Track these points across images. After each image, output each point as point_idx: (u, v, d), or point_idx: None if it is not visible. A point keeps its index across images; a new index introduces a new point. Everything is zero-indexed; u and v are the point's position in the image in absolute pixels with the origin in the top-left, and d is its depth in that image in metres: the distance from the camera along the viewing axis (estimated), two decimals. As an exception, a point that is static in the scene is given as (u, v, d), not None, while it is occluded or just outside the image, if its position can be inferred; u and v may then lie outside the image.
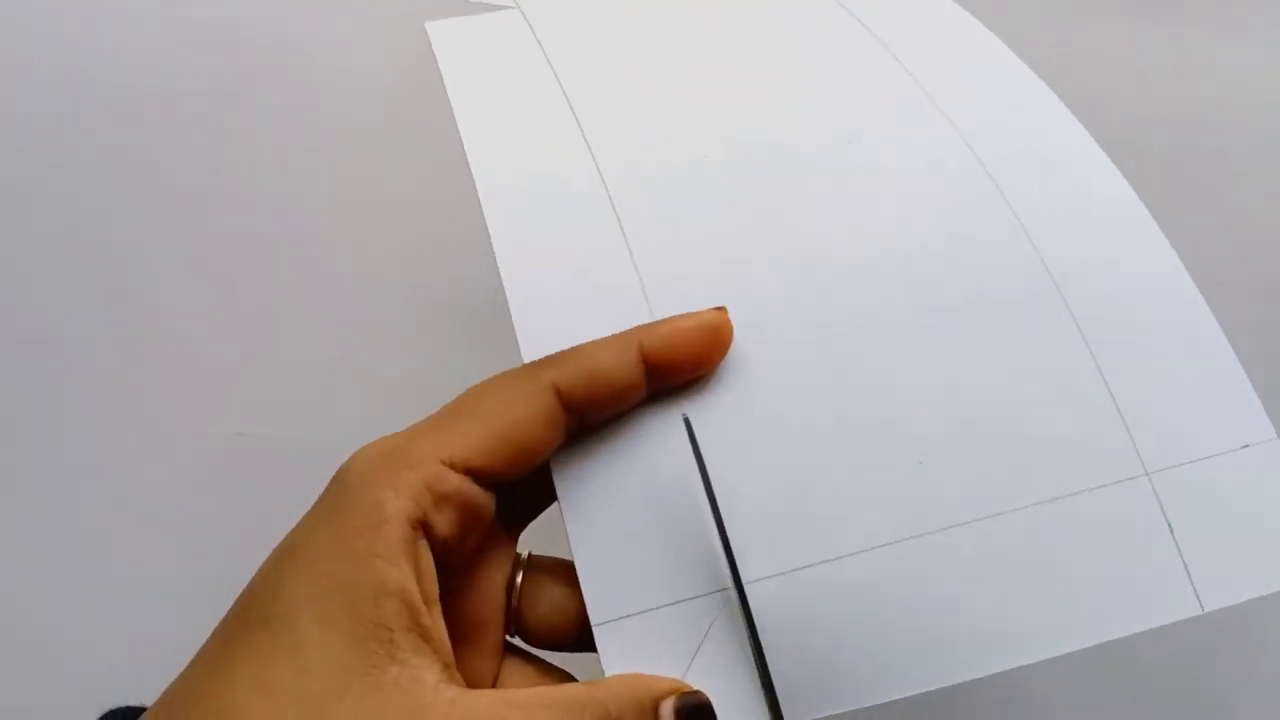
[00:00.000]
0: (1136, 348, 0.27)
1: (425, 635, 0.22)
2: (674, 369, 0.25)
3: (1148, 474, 0.26)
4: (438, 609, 0.23)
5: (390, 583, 0.22)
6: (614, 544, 0.25)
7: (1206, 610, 0.25)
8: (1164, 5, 0.49)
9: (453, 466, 0.23)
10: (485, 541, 0.26)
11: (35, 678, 0.41)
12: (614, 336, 0.25)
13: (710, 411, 0.26)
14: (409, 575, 0.22)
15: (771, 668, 0.24)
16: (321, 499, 0.23)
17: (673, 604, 0.25)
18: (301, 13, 0.52)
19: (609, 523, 0.25)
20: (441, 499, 0.23)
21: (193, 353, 0.46)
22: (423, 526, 0.23)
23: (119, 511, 0.44)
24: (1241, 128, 0.47)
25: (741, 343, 0.26)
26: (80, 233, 0.48)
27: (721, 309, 0.26)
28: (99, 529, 0.43)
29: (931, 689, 0.24)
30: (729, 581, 0.24)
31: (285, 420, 0.44)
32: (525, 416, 0.24)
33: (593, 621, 0.24)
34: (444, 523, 0.23)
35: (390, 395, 0.46)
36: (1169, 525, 0.25)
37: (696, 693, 0.23)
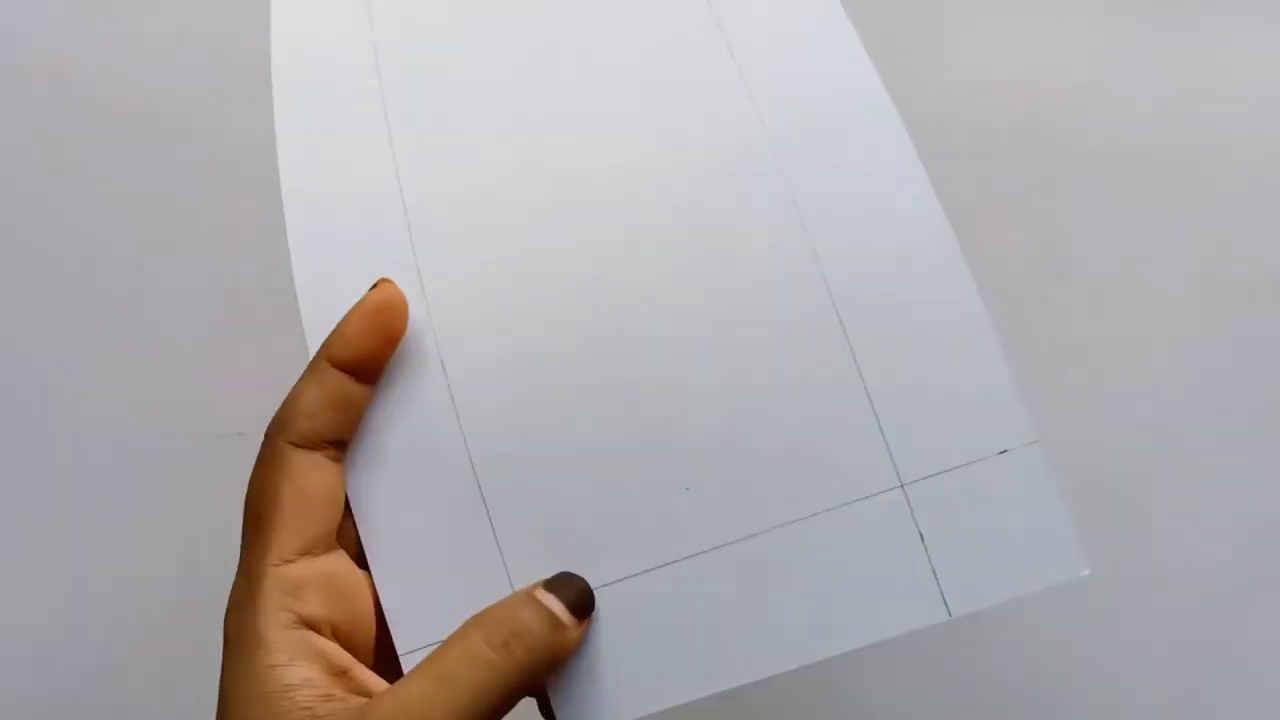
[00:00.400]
0: (901, 349, 0.27)
1: (356, 692, 0.25)
2: (371, 361, 0.28)
3: (902, 485, 0.26)
4: (362, 670, 0.26)
5: (293, 679, 0.24)
6: (411, 571, 0.27)
7: (954, 615, 0.26)
8: (1175, 3, 0.49)
9: (286, 562, 0.26)
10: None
11: (34, 678, 0.41)
12: (308, 367, 0.28)
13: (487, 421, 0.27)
14: (307, 668, 0.25)
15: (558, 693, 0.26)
16: (223, 657, 0.26)
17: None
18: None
19: (405, 551, 0.27)
20: (296, 590, 0.26)
21: (193, 352, 0.46)
22: (302, 624, 0.25)
23: (119, 511, 0.44)
24: (1251, 125, 0.47)
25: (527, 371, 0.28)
26: (81, 232, 0.48)
27: (384, 281, 0.28)
28: (99, 529, 0.43)
29: (696, 698, 0.26)
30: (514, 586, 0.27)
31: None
32: (300, 486, 0.26)
33: (399, 651, 0.27)
34: (318, 606, 0.26)
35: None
36: (920, 534, 0.26)
37: (556, 575, 0.26)
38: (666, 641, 0.26)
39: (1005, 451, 0.26)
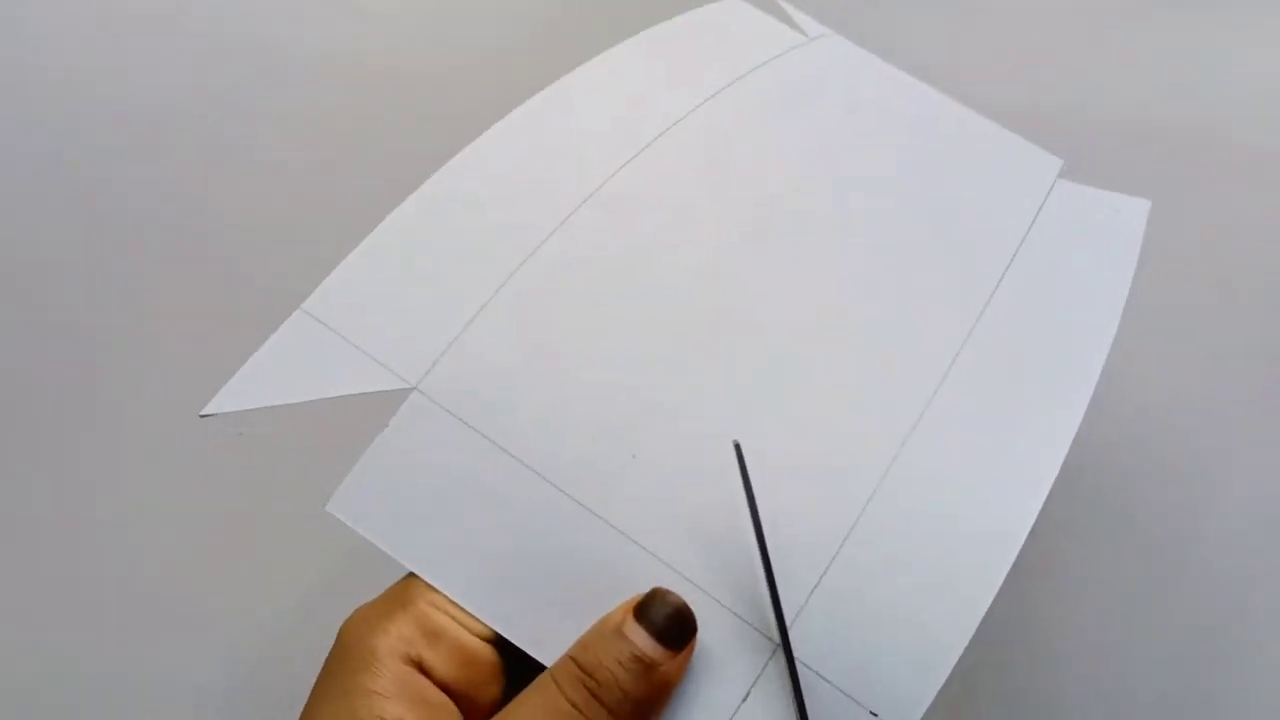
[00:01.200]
0: (889, 579, 0.25)
1: None
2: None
3: (777, 646, 0.25)
4: None
5: (389, 714, 0.22)
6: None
7: None
8: (1179, 2, 0.49)
9: (437, 607, 0.24)
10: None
11: (32, 679, 0.41)
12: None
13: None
14: (405, 709, 0.23)
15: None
16: (328, 656, 0.24)
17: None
18: (299, 16, 0.52)
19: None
20: (432, 636, 0.24)
21: (193, 352, 0.46)
22: (420, 666, 0.24)
23: (119, 511, 0.44)
24: (1253, 124, 0.47)
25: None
26: (81, 233, 0.48)
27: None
28: (99, 529, 0.43)
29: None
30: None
31: (285, 420, 0.44)
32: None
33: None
34: (441, 662, 0.24)
35: (389, 395, 0.46)
36: (748, 691, 0.24)
37: (651, 591, 0.24)
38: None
39: (876, 716, 0.24)
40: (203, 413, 0.26)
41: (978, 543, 0.25)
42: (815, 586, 0.25)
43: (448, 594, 0.25)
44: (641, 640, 0.23)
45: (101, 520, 0.43)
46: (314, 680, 0.25)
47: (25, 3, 0.50)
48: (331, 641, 0.25)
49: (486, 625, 0.25)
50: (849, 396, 0.27)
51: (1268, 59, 0.48)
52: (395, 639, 0.23)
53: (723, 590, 0.25)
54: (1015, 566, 0.25)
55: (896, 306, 0.29)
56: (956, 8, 0.48)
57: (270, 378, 0.27)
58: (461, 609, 0.25)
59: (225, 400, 0.27)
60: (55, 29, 0.50)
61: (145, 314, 0.47)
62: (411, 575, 0.25)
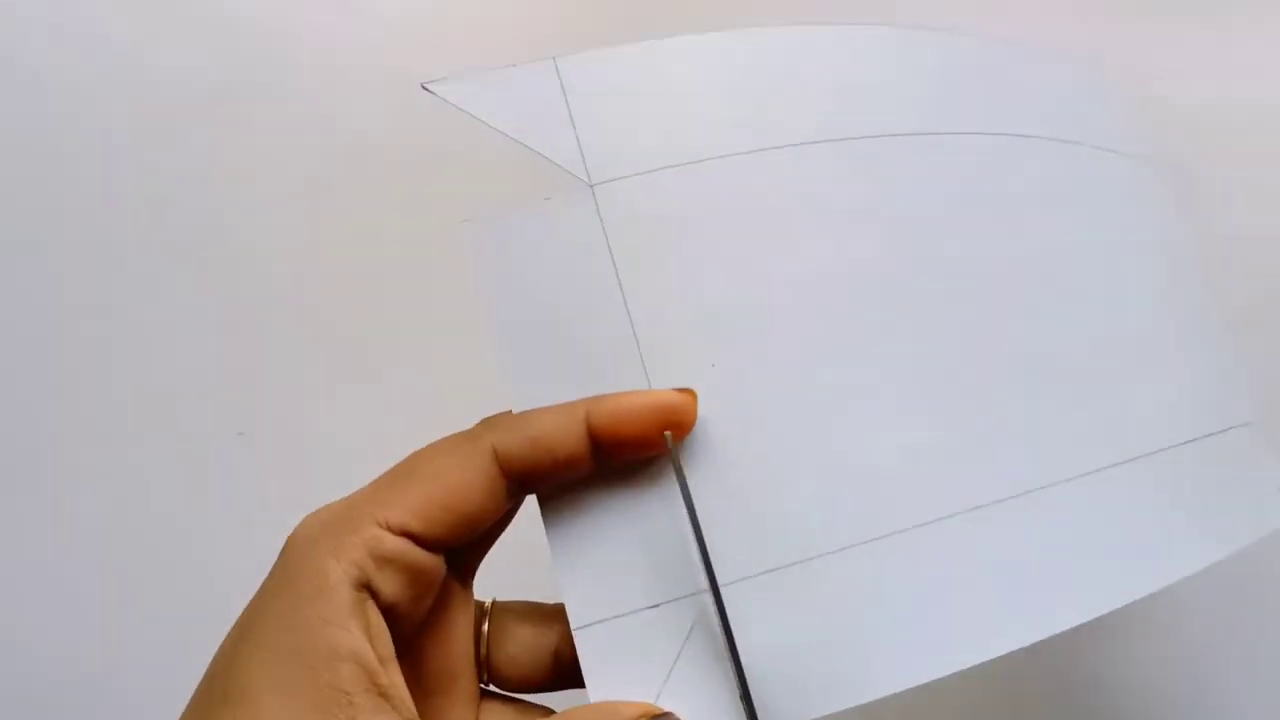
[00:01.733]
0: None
1: (384, 694, 0.23)
2: (620, 447, 0.25)
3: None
4: (395, 667, 0.24)
5: (342, 647, 0.22)
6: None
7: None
8: (1182, 5, 0.49)
9: (390, 530, 0.23)
10: (442, 594, 0.26)
11: (32, 678, 0.41)
12: (563, 405, 0.25)
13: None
14: (361, 638, 0.22)
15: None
16: (270, 572, 0.24)
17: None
18: (308, 14, 0.52)
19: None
20: (383, 562, 0.23)
21: (193, 353, 0.46)
22: (368, 589, 0.23)
23: (119, 511, 0.44)
24: (1253, 126, 0.47)
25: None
26: (81, 232, 0.48)
27: (687, 391, 0.25)
28: (99, 529, 0.43)
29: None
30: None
31: (285, 420, 0.44)
32: (463, 481, 0.24)
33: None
34: (390, 586, 0.23)
35: (389, 396, 0.46)
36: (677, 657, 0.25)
37: (666, 714, 0.24)
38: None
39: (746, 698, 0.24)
40: (424, 83, 0.27)
41: (957, 628, 0.25)
42: (794, 564, 0.25)
43: (507, 374, 0.25)
44: None
45: (102, 519, 0.44)
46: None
47: (24, 3, 0.50)
48: None
49: (446, 531, 0.24)
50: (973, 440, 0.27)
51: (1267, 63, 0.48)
52: (347, 564, 0.23)
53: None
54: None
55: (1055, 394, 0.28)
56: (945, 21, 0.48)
57: (490, 93, 0.27)
58: (412, 531, 0.24)
59: (450, 88, 0.27)
60: (56, 29, 0.50)
61: (145, 313, 0.47)
62: (364, 492, 0.24)
